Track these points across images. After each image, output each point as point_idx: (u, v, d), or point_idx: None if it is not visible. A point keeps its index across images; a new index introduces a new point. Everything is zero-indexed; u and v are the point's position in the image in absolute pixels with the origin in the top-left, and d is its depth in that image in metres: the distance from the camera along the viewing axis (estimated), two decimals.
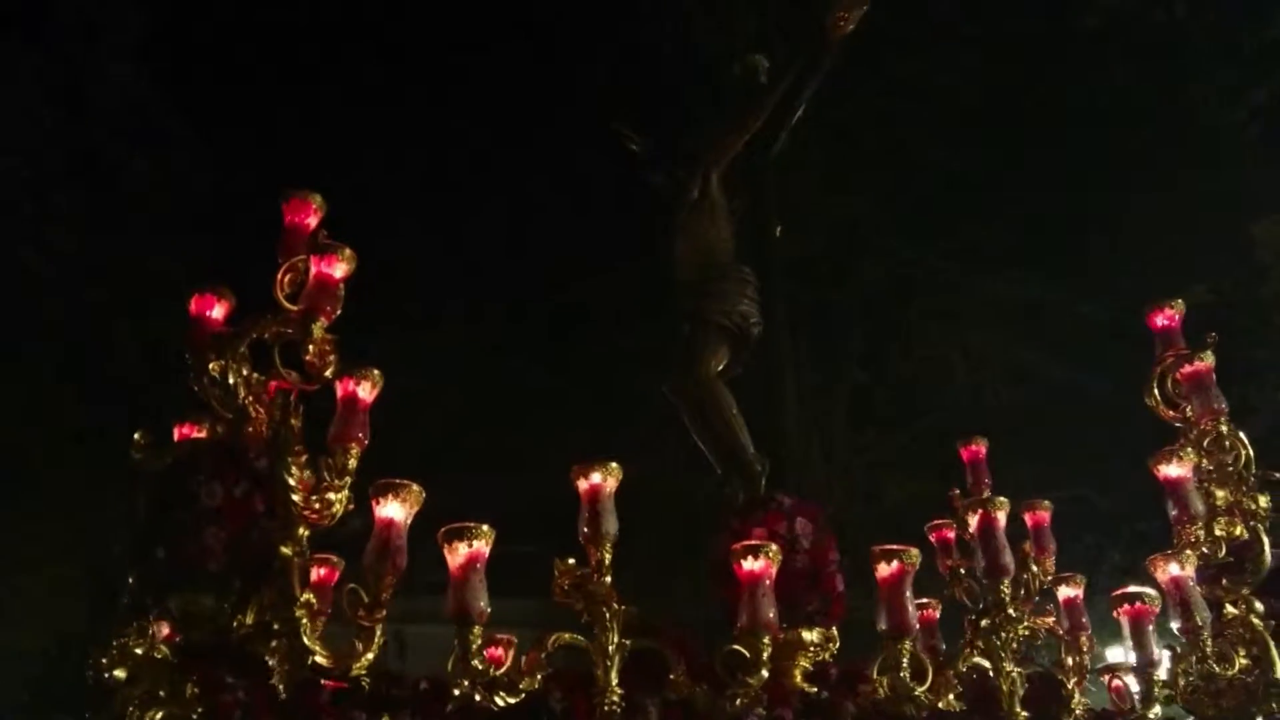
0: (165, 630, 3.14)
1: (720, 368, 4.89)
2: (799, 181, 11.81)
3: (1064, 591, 4.53)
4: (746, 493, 4.53)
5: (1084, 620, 4.42)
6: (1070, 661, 4.39)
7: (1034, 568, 5.08)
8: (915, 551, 3.58)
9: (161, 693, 2.81)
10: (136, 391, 9.33)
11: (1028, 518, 5.23)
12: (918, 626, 3.56)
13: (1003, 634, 3.74)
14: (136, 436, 3.47)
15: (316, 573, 4.04)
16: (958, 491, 5.32)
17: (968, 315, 12.20)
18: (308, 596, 3.08)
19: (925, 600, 5.20)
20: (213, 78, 11.04)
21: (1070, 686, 3.93)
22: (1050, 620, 4.86)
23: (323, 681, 3.12)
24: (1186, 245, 10.74)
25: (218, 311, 3.88)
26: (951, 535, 5.18)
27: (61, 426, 10.26)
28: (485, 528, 3.19)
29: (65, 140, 10.62)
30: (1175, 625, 3.93)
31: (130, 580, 3.21)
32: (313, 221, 4.04)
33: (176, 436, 3.71)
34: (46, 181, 10.51)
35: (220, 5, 11.12)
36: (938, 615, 5.11)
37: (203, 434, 3.60)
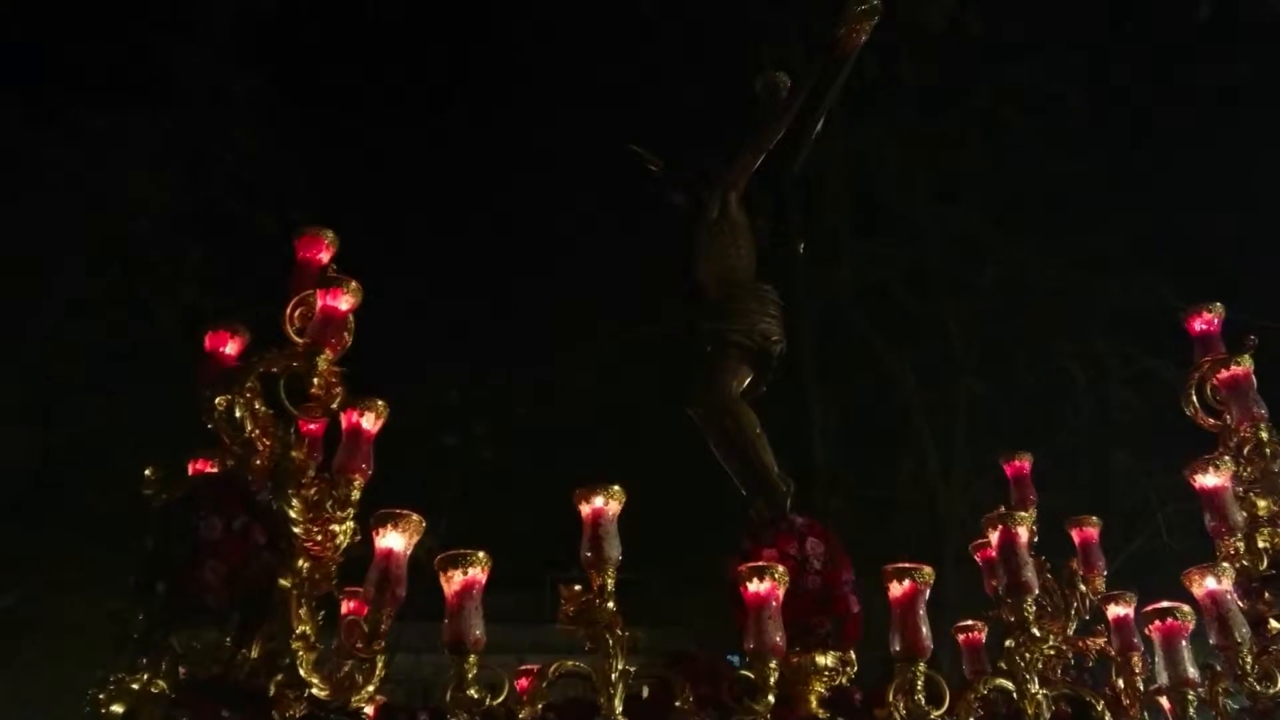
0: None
1: (743, 387, 4.82)
2: (909, 192, 11.73)
3: (1114, 610, 4.34)
4: (772, 513, 4.45)
5: (1135, 640, 4.23)
6: (1120, 683, 4.23)
7: (1082, 586, 4.96)
8: (928, 570, 3.47)
9: None
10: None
11: (1075, 534, 5.09)
12: (931, 648, 3.42)
13: (1027, 655, 3.59)
14: (147, 472, 3.53)
15: (346, 605, 4.05)
16: (1003, 509, 5.16)
17: (1090, 324, 11.90)
18: (304, 628, 3.09)
19: (970, 622, 5.07)
20: (327, 133, 11.45)
21: (1100, 709, 3.75)
22: (1101, 641, 4.71)
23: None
24: None
25: (231, 348, 3.94)
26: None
27: None
28: (480, 554, 3.18)
29: (192, 199, 11.04)
30: (1213, 642, 3.75)
31: (139, 617, 3.25)
32: (325, 256, 4.09)
33: (190, 471, 3.76)
34: (176, 239, 10.91)
35: (334, 62, 11.53)
36: (984, 638, 4.95)
37: (214, 468, 3.65)
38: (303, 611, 3.29)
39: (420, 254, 11.76)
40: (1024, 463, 5.35)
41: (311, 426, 3.85)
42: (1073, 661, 4.84)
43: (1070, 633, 4.88)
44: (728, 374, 4.77)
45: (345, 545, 3.43)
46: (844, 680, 3.73)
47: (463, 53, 12.15)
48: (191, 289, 10.78)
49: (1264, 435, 4.23)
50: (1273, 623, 3.98)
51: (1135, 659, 4.16)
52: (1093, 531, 5.05)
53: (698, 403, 4.82)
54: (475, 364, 12.00)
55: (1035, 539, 5.14)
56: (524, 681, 3.85)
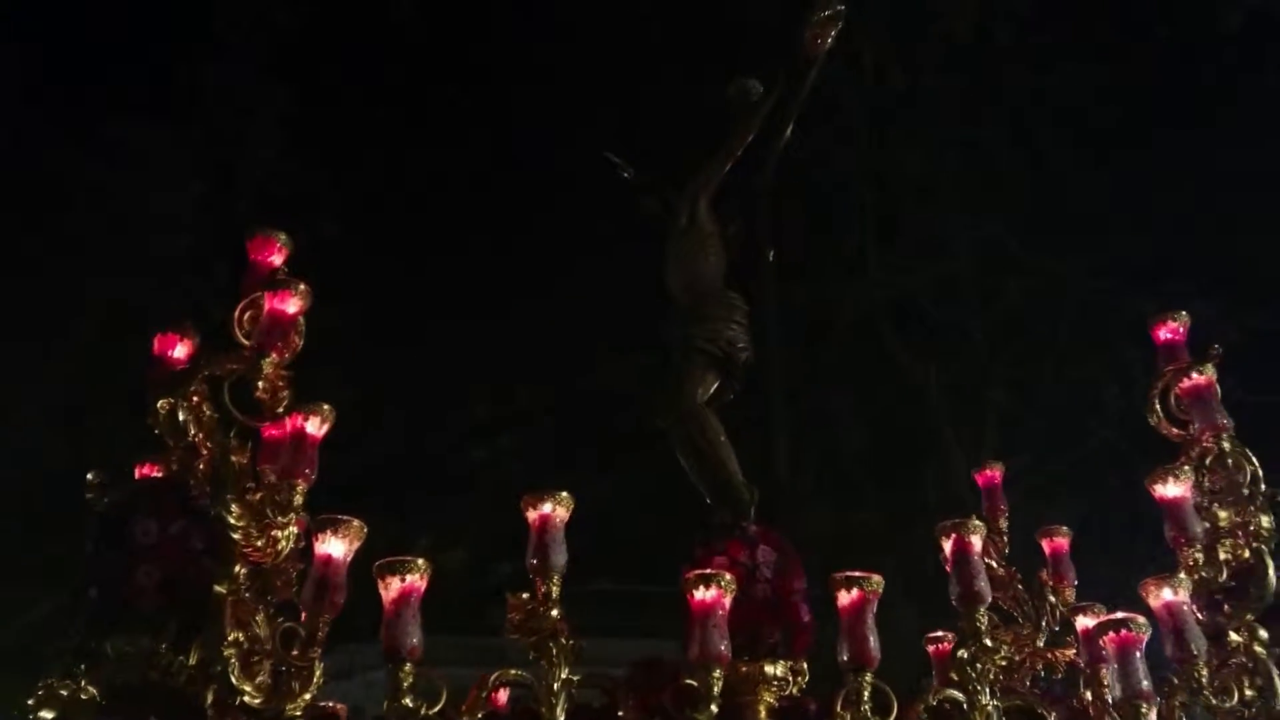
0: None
1: (708, 395, 4.79)
2: (936, 203, 11.70)
3: (1082, 621, 4.30)
4: (735, 520, 4.42)
5: (1104, 653, 4.19)
6: (1089, 695, 4.19)
7: (1052, 597, 4.92)
8: (878, 578, 3.42)
9: None
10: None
11: (1045, 544, 5.06)
12: (878, 657, 3.37)
13: (978, 665, 3.54)
14: (90, 477, 3.49)
15: None
16: (976, 518, 5.12)
17: (1120, 333, 11.84)
18: (237, 635, 3.04)
19: (940, 633, 5.03)
20: (353, 147, 11.48)
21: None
22: (1071, 652, 4.67)
23: None
24: None
25: (180, 351, 3.90)
26: None
27: None
28: (420, 562, 3.14)
29: (220, 214, 11.12)
30: (1168, 654, 3.70)
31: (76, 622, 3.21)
32: (277, 259, 4.06)
33: (137, 476, 3.72)
34: (206, 253, 11.00)
35: (359, 78, 11.58)
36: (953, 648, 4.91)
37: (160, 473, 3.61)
38: (259, 618, 3.27)
39: (443, 266, 11.80)
40: (995, 473, 5.31)
41: (274, 431, 3.82)
42: (1042, 673, 4.81)
43: (1040, 644, 4.85)
44: (693, 381, 4.74)
45: (287, 551, 3.37)
46: (794, 690, 3.68)
47: (487, 65, 12.17)
48: (219, 301, 10.86)
49: (1226, 445, 4.19)
50: (1233, 635, 3.93)
51: (1103, 671, 4.12)
52: (1063, 542, 5.02)
53: (663, 410, 4.79)
54: (498, 377, 12.02)
55: (1007, 549, 5.14)
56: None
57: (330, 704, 3.82)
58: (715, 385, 4.80)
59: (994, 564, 4.98)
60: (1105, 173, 11.45)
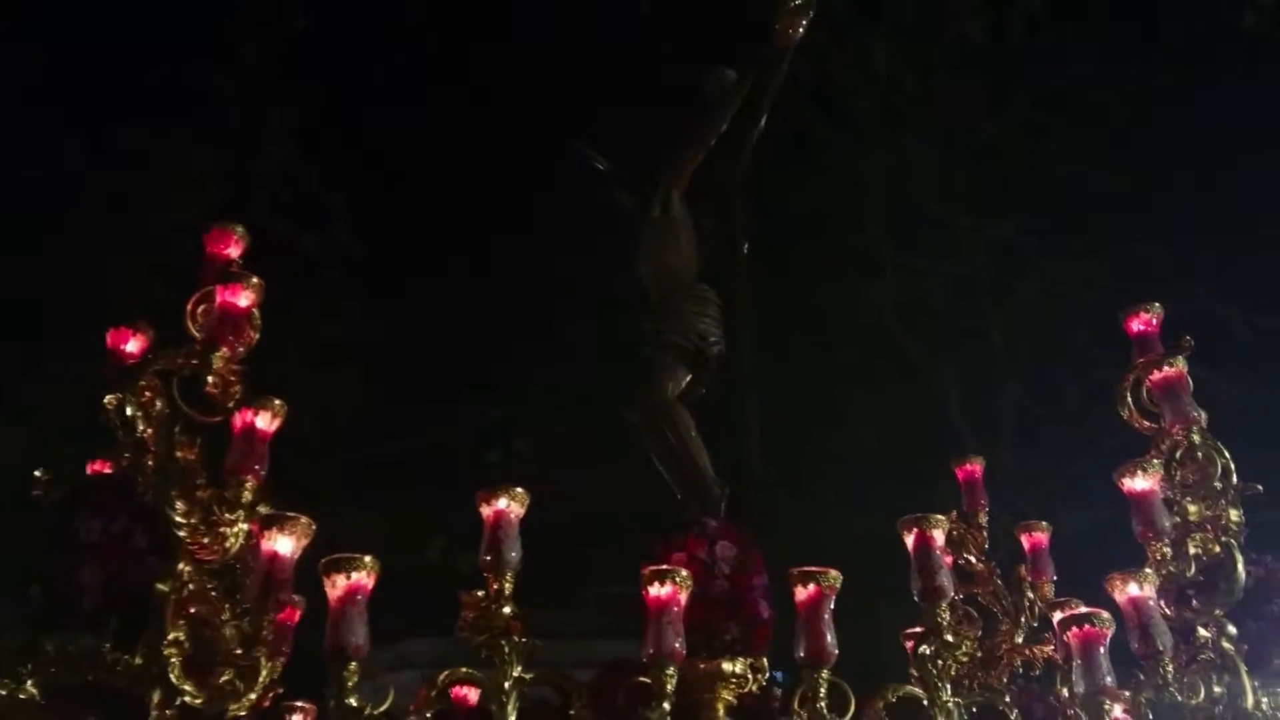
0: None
1: (680, 389, 4.75)
2: (949, 202, 11.68)
3: (1059, 618, 4.25)
4: (704, 516, 4.37)
5: None
6: (1065, 692, 4.17)
7: (1030, 593, 4.89)
8: (835, 573, 3.38)
9: None
10: None
11: (1024, 540, 5.02)
12: (836, 654, 3.33)
13: (940, 661, 3.50)
14: (37, 473, 3.45)
15: None
16: (955, 514, 5.09)
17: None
18: (177, 634, 3.00)
19: (916, 629, 4.99)
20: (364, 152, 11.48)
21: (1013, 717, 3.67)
22: (1049, 648, 4.65)
23: None
24: None
25: (133, 346, 3.86)
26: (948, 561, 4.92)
27: None
28: (367, 559, 3.09)
29: (235, 218, 11.11)
30: (1134, 650, 3.65)
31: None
32: (233, 252, 4.01)
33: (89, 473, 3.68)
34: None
35: (373, 84, 11.58)
36: None
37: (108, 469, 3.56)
38: (225, 617, 3.22)
39: (458, 271, 11.78)
40: (975, 467, 5.27)
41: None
42: (1020, 669, 4.78)
43: (1019, 640, 4.82)
44: (663, 375, 4.70)
45: (236, 549, 3.31)
46: (754, 687, 3.63)
47: (501, 69, 12.14)
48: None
49: (1196, 438, 4.14)
50: (1201, 631, 3.89)
51: None
52: (1042, 537, 4.99)
53: (635, 404, 4.75)
54: (515, 378, 12.01)
55: (987, 544, 5.10)
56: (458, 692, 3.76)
57: (298, 703, 3.81)
58: (687, 379, 4.76)
59: (973, 559, 4.96)
60: (1120, 172, 11.41)
